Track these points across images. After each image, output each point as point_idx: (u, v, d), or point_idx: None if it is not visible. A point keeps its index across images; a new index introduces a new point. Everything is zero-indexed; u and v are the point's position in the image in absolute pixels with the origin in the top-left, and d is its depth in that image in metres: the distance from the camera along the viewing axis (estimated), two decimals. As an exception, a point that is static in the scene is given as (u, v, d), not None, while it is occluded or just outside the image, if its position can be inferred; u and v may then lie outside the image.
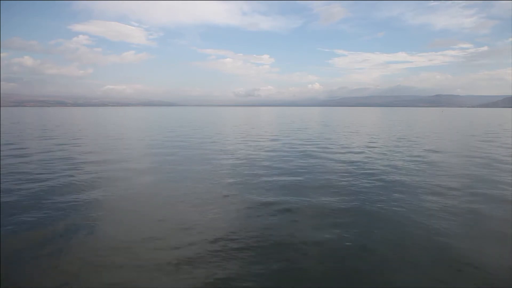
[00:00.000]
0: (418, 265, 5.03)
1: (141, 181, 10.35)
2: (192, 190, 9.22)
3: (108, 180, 10.35)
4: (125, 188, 9.45)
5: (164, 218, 7.04)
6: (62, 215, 7.08)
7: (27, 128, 33.59)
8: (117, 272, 4.81)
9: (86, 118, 61.73)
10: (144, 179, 10.57)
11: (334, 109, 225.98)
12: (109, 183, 10.02)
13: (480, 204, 7.90)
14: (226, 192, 9.04)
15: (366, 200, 8.20)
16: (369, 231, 6.29)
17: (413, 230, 6.30)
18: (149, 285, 4.50)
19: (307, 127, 36.59)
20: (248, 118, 62.65)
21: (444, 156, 15.33)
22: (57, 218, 6.92)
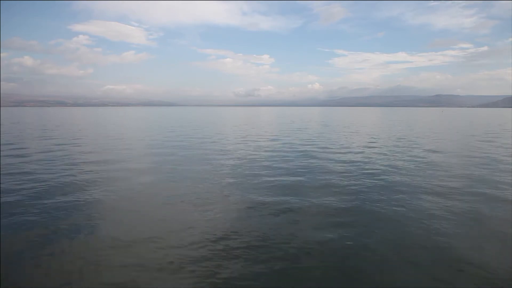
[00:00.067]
0: (418, 264, 5.03)
1: (141, 181, 10.35)
2: (193, 190, 9.22)
3: (108, 180, 10.35)
4: (126, 188, 9.45)
5: (165, 218, 7.04)
6: (63, 215, 7.08)
7: (27, 128, 33.59)
8: (118, 272, 4.81)
9: (86, 118, 61.73)
10: (144, 179, 10.57)
11: (334, 109, 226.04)
12: (109, 183, 10.01)
13: (480, 204, 7.90)
14: (226, 192, 9.04)
15: (366, 200, 8.20)
16: (369, 231, 6.29)
17: (413, 230, 6.31)
18: (150, 285, 4.50)
19: (307, 127, 36.59)
20: (248, 118, 62.66)
21: (444, 156, 15.33)
22: (58, 218, 6.92)
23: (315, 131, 30.80)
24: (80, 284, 4.52)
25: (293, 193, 8.86)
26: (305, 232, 6.25)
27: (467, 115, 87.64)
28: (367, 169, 12.02)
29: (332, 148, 18.04)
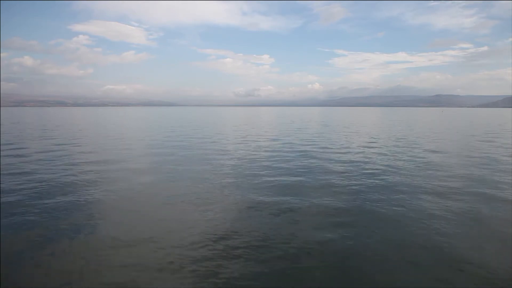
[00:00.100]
0: (418, 264, 5.03)
1: (141, 181, 10.35)
2: (193, 190, 9.22)
3: (108, 180, 10.35)
4: (126, 188, 9.45)
5: (165, 217, 7.04)
6: (63, 215, 7.08)
7: (27, 128, 33.60)
8: (118, 272, 4.81)
9: (86, 118, 61.74)
10: (144, 179, 10.57)
11: (334, 109, 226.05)
12: (109, 183, 10.02)
13: (480, 204, 7.90)
14: (227, 191, 9.04)
15: (367, 200, 8.20)
16: (369, 230, 6.29)
17: (413, 230, 6.31)
18: (150, 285, 4.50)
19: (307, 127, 36.60)
20: (248, 118, 62.66)
21: (444, 156, 15.33)
22: (58, 218, 6.92)
23: (315, 131, 30.80)
24: (80, 284, 4.52)
25: (293, 193, 8.86)
26: (305, 232, 6.25)
27: (467, 115, 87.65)
28: (367, 169, 12.02)
29: (332, 148, 18.04)
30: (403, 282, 4.58)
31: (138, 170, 12.10)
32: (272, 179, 10.52)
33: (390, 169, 12.12)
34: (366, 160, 14.16)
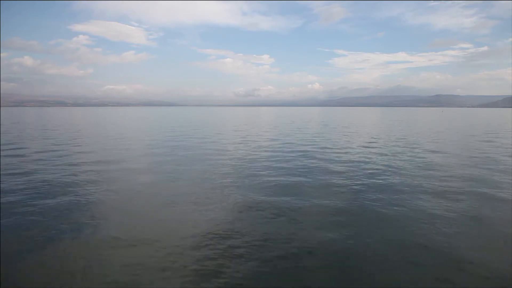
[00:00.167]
0: (418, 264, 5.03)
1: (142, 181, 10.35)
2: (193, 190, 9.22)
3: (108, 180, 10.35)
4: (126, 188, 9.45)
5: (166, 217, 7.04)
6: (63, 215, 7.08)
7: (27, 128, 33.60)
8: (120, 272, 4.81)
9: (86, 118, 61.75)
10: (145, 179, 10.57)
11: (334, 109, 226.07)
12: (109, 183, 10.01)
13: (480, 204, 7.90)
14: (227, 191, 9.04)
15: (367, 200, 8.20)
16: (370, 230, 6.29)
17: (413, 230, 6.30)
18: (152, 284, 4.50)
19: (307, 127, 36.60)
20: (248, 118, 62.67)
21: (444, 156, 15.33)
22: (58, 218, 6.92)
23: (315, 131, 30.80)
24: (81, 284, 4.51)
25: (293, 193, 8.86)
26: (306, 231, 6.25)
27: (467, 115, 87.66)
28: (367, 169, 12.02)
29: (332, 148, 18.05)
30: (404, 282, 4.58)
31: (138, 170, 12.10)
32: (272, 179, 10.52)
33: (390, 169, 12.12)
34: (366, 160, 14.16)
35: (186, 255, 5.28)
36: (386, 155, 15.61)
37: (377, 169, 12.12)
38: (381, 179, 10.42)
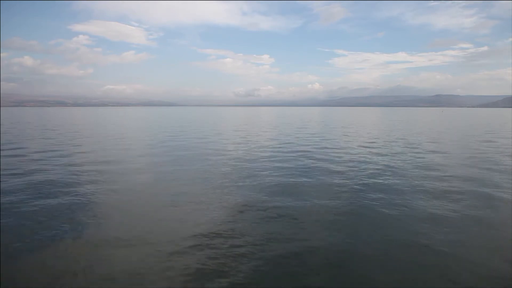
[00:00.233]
0: (419, 264, 5.03)
1: (142, 180, 10.35)
2: (193, 190, 9.22)
3: (108, 180, 10.34)
4: (126, 188, 9.45)
5: (166, 217, 7.04)
6: (63, 215, 7.08)
7: (27, 128, 33.60)
8: (121, 272, 4.80)
9: (86, 118, 61.75)
10: (145, 179, 10.57)
11: (334, 109, 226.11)
12: (109, 183, 10.01)
13: (481, 204, 7.90)
14: (227, 191, 9.04)
15: (366, 199, 8.20)
16: (370, 230, 6.29)
17: (414, 230, 6.30)
18: (154, 284, 4.49)
19: (307, 127, 36.60)
20: (248, 118, 62.68)
21: (444, 157, 15.34)
22: (58, 218, 6.92)
23: (315, 131, 30.81)
24: (81, 284, 4.51)
25: (293, 193, 8.86)
26: (307, 231, 6.25)
27: (467, 115, 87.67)
28: (367, 169, 12.02)
29: (332, 148, 18.05)
30: (404, 282, 4.58)
31: (138, 170, 12.10)
32: (272, 179, 10.52)
33: (390, 169, 12.12)
34: (366, 160, 14.16)
35: (187, 254, 5.28)
36: (386, 155, 15.61)
37: (377, 169, 12.12)
38: (381, 179, 10.42)
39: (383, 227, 6.49)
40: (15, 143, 19.96)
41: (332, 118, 62.74)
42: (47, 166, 12.60)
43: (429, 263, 5.05)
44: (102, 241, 5.81)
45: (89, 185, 9.68)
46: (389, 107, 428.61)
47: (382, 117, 70.24)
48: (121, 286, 4.48)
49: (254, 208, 7.63)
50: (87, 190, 9.12)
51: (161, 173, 11.44)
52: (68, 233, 6.14)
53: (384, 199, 8.25)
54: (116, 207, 7.73)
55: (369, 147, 18.47)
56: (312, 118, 64.37)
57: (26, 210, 7.38)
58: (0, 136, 24.11)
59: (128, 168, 12.30)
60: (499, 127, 37.55)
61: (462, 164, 13.33)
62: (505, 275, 4.74)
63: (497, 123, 45.40)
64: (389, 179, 10.48)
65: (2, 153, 15.80)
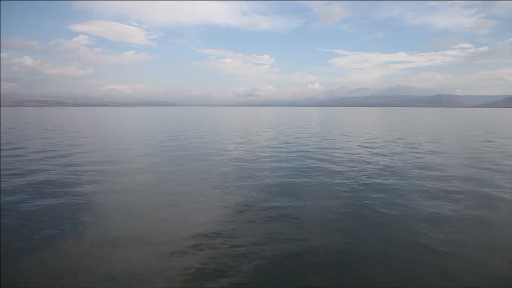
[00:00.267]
0: (419, 264, 5.03)
1: (142, 180, 10.35)
2: (193, 190, 9.22)
3: (108, 180, 10.34)
4: (127, 188, 9.45)
5: (167, 217, 7.04)
6: (63, 215, 7.08)
7: (27, 128, 33.60)
8: (121, 272, 4.80)
9: (86, 118, 61.75)
10: (145, 179, 10.57)
11: (334, 109, 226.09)
12: (109, 183, 10.01)
13: (481, 204, 7.90)
14: (227, 191, 9.03)
15: (367, 199, 8.20)
16: (371, 230, 6.29)
17: (414, 230, 6.30)
18: (154, 284, 4.49)
19: (307, 127, 36.60)
20: (248, 118, 62.67)
21: (445, 157, 15.34)
22: (58, 218, 6.92)
23: (315, 131, 30.81)
24: (81, 284, 4.51)
25: (293, 193, 8.86)
26: (307, 231, 6.25)
27: (467, 115, 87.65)
28: (367, 169, 12.02)
29: (332, 148, 18.05)
30: (404, 282, 4.58)
31: (138, 169, 12.10)
32: (272, 179, 10.52)
33: (390, 169, 12.12)
34: (366, 160, 14.16)
35: (187, 254, 5.28)
36: (386, 155, 15.61)
37: (377, 169, 12.12)
38: (381, 179, 10.42)
39: (383, 227, 6.49)
40: (15, 143, 19.96)
41: (332, 118, 62.73)
42: (47, 166, 12.60)
43: (429, 263, 5.05)
44: (102, 241, 5.81)
45: (89, 185, 9.68)
46: (389, 107, 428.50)
47: (382, 117, 70.22)
48: (121, 286, 4.48)
49: (254, 208, 7.63)
50: (87, 190, 9.12)
51: (161, 173, 11.44)
52: (68, 233, 6.14)
53: (384, 199, 8.25)
54: (116, 207, 7.73)
55: (369, 147, 18.47)
56: (312, 118, 64.36)
57: (26, 210, 7.38)
58: (0, 136, 24.12)
59: (128, 168, 12.29)
60: (499, 127, 37.54)
61: (462, 164, 13.33)
62: (505, 275, 4.74)
63: (497, 123, 45.40)
64: (389, 179, 10.48)
65: (2, 153, 15.80)
